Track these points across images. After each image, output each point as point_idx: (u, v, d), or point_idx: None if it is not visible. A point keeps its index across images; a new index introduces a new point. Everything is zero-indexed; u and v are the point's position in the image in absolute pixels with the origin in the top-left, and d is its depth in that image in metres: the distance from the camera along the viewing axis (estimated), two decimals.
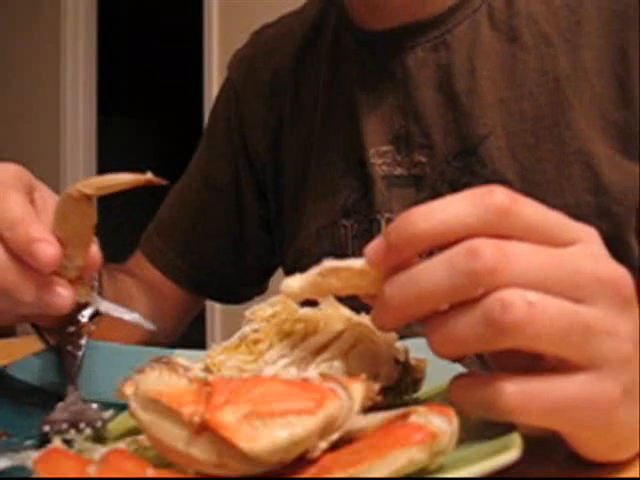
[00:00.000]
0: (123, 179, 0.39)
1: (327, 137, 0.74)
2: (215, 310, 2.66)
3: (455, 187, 0.64)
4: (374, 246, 0.32)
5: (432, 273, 0.31)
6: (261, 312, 0.42)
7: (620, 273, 0.33)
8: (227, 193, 0.83)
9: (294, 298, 0.36)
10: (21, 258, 0.41)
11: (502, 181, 0.62)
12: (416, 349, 0.41)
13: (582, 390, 0.31)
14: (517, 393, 0.30)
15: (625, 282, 0.33)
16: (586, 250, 0.33)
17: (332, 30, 0.76)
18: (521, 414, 0.31)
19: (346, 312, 0.41)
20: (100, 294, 0.54)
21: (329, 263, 0.34)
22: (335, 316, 0.40)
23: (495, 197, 0.31)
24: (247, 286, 0.87)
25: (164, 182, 0.39)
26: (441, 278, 0.30)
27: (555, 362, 0.32)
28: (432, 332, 0.32)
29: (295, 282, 0.35)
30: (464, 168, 0.65)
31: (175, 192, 0.87)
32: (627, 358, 0.32)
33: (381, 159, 0.69)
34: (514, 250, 0.31)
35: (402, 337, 0.41)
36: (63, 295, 0.42)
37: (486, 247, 0.30)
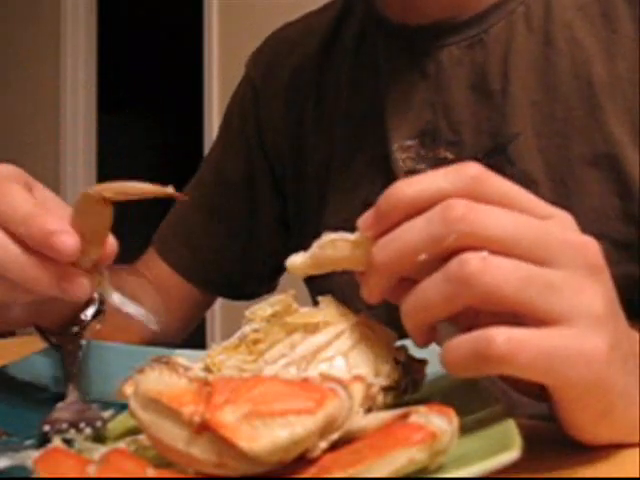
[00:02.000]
0: (145, 188, 0.40)
1: (350, 132, 0.74)
2: (215, 310, 2.66)
3: None
4: (365, 215, 0.37)
5: (411, 228, 0.35)
6: (261, 312, 0.42)
7: (589, 240, 0.35)
8: (240, 191, 0.83)
9: (297, 273, 0.39)
10: (37, 252, 0.41)
11: (530, 180, 0.63)
12: (416, 349, 0.41)
13: (567, 341, 0.33)
14: (506, 341, 0.32)
15: (593, 248, 0.35)
16: (558, 222, 0.35)
17: (358, 24, 0.76)
18: (511, 362, 0.32)
19: (346, 312, 0.41)
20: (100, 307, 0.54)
21: (327, 236, 0.37)
22: (335, 316, 0.40)
23: (470, 168, 0.35)
24: (258, 283, 0.87)
25: (185, 197, 0.42)
26: (419, 230, 0.34)
27: (530, 322, 0.33)
28: (403, 303, 0.35)
29: (298, 258, 0.39)
30: (492, 166, 0.65)
31: (188, 189, 0.87)
32: (600, 316, 0.34)
33: (405, 154, 0.69)
34: (486, 207, 0.34)
35: (402, 337, 0.41)
36: (83, 284, 0.43)
37: (459, 201, 0.34)
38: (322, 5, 0.84)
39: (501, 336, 0.32)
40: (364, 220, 0.37)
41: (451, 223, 0.33)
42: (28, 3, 3.51)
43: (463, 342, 0.33)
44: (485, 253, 0.33)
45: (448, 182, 0.35)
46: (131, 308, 0.49)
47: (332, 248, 0.37)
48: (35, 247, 0.41)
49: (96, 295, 0.53)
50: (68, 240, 0.41)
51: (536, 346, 0.32)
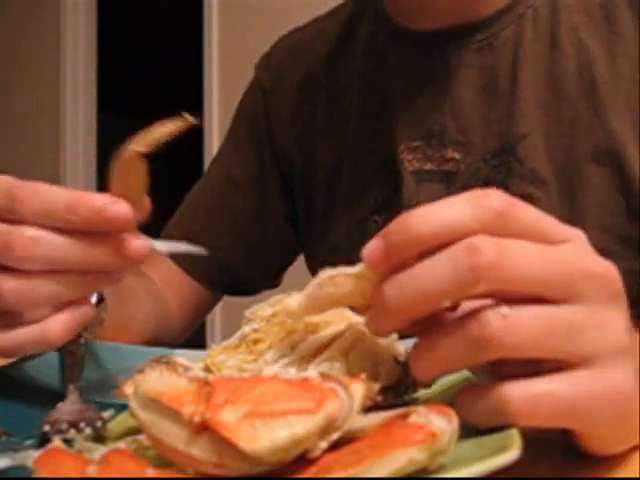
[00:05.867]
0: (170, 127, 0.42)
1: (362, 134, 0.75)
2: (215, 310, 2.66)
3: (489, 185, 0.66)
4: (372, 248, 0.32)
5: (433, 271, 0.31)
6: (261, 312, 0.42)
7: (608, 267, 0.34)
8: (249, 191, 0.84)
9: (296, 317, 0.36)
10: (84, 235, 0.41)
11: (538, 179, 0.64)
12: None
13: (586, 386, 0.32)
14: (522, 398, 0.31)
15: (613, 276, 0.34)
16: (576, 247, 0.34)
17: (367, 29, 0.77)
18: (530, 418, 0.31)
19: (346, 312, 0.41)
20: (100, 295, 0.54)
21: (325, 272, 0.34)
22: (335, 316, 0.40)
23: (493, 200, 0.32)
24: (263, 281, 0.88)
25: (198, 120, 0.42)
26: (443, 275, 0.31)
27: (555, 364, 0.32)
28: (416, 359, 0.33)
29: (294, 301, 0.35)
30: (501, 166, 0.66)
31: (196, 188, 0.88)
32: (623, 347, 0.33)
33: (411, 154, 0.70)
34: (513, 246, 0.31)
35: (402, 337, 0.41)
36: (142, 244, 0.43)
37: (486, 243, 0.31)
38: (330, 10, 0.85)
39: (516, 393, 0.31)
40: (370, 253, 0.32)
41: (480, 270, 0.30)
42: (28, 3, 3.51)
43: (477, 398, 0.32)
44: (506, 309, 0.31)
45: (471, 218, 0.31)
46: (177, 248, 0.49)
47: (332, 285, 0.34)
48: (88, 228, 0.41)
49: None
50: (119, 208, 0.41)
51: (553, 399, 0.31)
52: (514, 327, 0.31)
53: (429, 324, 0.33)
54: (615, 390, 0.32)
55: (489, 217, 0.32)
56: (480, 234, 0.31)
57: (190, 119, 0.41)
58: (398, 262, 0.32)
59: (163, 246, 0.46)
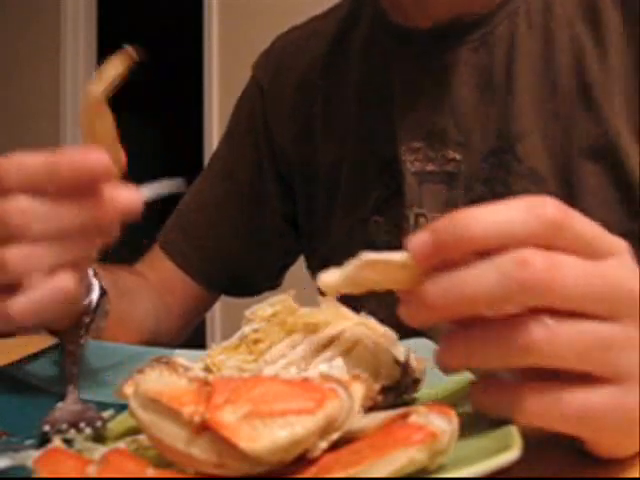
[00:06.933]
0: (115, 65, 0.43)
1: (360, 134, 0.75)
2: (215, 310, 2.66)
3: (489, 184, 0.66)
4: (420, 241, 0.32)
5: (480, 279, 0.31)
6: (261, 312, 0.42)
7: None
8: (247, 191, 0.84)
9: (331, 292, 0.35)
10: (70, 197, 0.42)
11: (537, 178, 0.64)
12: (417, 349, 0.41)
13: (605, 401, 0.32)
14: (539, 400, 0.31)
15: None
16: (621, 263, 0.34)
17: (366, 27, 0.77)
18: (542, 420, 0.32)
19: (346, 312, 0.41)
20: (102, 289, 0.54)
21: (368, 255, 0.33)
22: (335, 316, 0.40)
23: (547, 209, 0.32)
24: (263, 281, 0.88)
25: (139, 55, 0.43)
26: (490, 285, 0.31)
27: (581, 374, 0.32)
28: (449, 346, 0.33)
29: (332, 276, 0.34)
30: (500, 165, 0.66)
31: (194, 187, 0.87)
32: None
33: (413, 155, 0.70)
34: (563, 262, 0.31)
35: (402, 337, 0.41)
36: (132, 193, 0.43)
37: (537, 257, 0.31)
38: (326, 9, 0.85)
39: (534, 395, 0.31)
40: (417, 246, 0.32)
41: (528, 285, 0.30)
42: (28, 3, 3.51)
43: (495, 392, 0.33)
44: (549, 320, 0.31)
45: (524, 226, 0.31)
46: (161, 189, 0.49)
47: (372, 270, 0.33)
48: (75, 184, 0.42)
49: (94, 280, 0.53)
50: (96, 155, 0.41)
51: (569, 406, 0.32)
52: (556, 339, 0.31)
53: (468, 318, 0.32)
54: (631, 410, 0.33)
55: (541, 226, 0.32)
56: (531, 244, 0.31)
57: (132, 54, 0.42)
58: (444, 259, 0.32)
59: (147, 190, 0.47)
